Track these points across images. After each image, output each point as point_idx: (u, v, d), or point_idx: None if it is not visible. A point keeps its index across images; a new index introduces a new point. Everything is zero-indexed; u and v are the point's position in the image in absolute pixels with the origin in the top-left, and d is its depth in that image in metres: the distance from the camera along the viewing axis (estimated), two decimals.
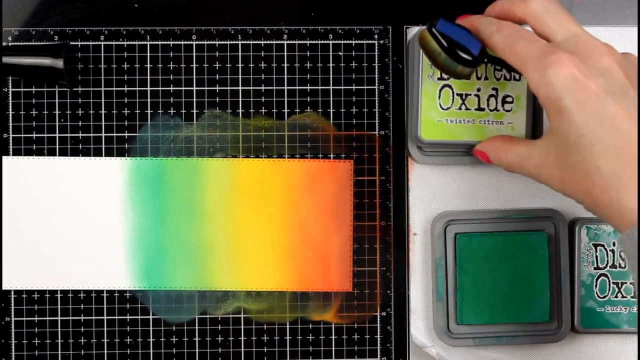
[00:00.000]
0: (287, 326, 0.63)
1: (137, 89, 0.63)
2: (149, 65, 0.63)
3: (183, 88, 0.63)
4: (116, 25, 0.63)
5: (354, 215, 0.64)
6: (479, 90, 0.59)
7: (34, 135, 0.63)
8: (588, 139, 0.47)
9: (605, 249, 0.62)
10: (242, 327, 0.63)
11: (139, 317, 0.63)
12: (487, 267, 0.61)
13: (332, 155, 0.64)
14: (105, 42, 0.63)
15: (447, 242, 0.62)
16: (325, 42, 0.64)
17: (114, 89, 0.63)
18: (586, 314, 0.62)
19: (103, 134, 0.63)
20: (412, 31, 0.64)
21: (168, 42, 0.63)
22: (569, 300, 0.62)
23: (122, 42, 0.63)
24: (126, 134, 0.63)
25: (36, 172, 0.62)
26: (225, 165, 0.63)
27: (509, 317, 0.62)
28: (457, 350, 0.63)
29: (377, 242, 0.64)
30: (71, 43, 0.63)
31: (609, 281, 0.62)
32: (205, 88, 0.63)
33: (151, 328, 0.63)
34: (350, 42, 0.64)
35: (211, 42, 0.63)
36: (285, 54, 0.64)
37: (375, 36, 0.64)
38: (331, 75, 0.64)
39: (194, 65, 0.63)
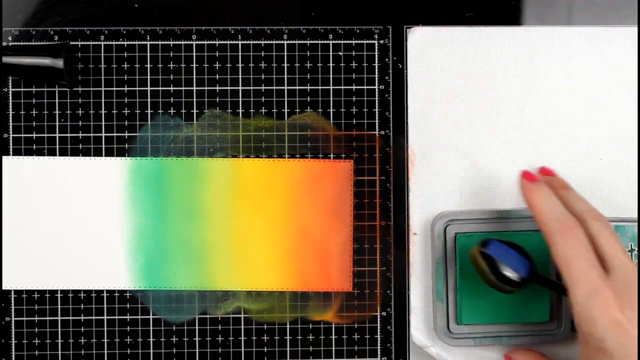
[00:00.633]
0: (287, 326, 0.64)
1: (137, 89, 0.63)
2: (149, 65, 0.63)
3: (183, 88, 0.63)
4: (116, 25, 0.63)
5: (354, 215, 0.64)
6: None
7: (34, 135, 0.63)
8: None
9: None
10: (242, 327, 0.63)
11: (139, 317, 0.63)
12: None
13: (332, 155, 0.64)
14: (105, 42, 0.63)
15: (447, 242, 0.62)
16: (325, 42, 0.64)
17: (114, 89, 0.63)
18: None
19: (103, 134, 0.63)
20: (413, 31, 0.64)
21: (168, 42, 0.63)
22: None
23: (122, 42, 0.63)
24: (126, 134, 0.63)
25: (36, 172, 0.62)
26: (225, 165, 0.63)
27: (509, 317, 0.62)
28: (457, 350, 0.63)
29: (377, 242, 0.64)
30: (71, 43, 0.63)
31: None
32: (205, 88, 0.63)
33: (151, 328, 0.63)
34: (350, 42, 0.64)
35: (211, 42, 0.63)
36: (285, 54, 0.64)
37: (375, 36, 0.64)
38: (331, 75, 0.64)
39: (194, 65, 0.63)
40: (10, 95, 0.63)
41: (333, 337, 0.64)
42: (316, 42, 0.64)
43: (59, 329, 0.63)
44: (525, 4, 0.64)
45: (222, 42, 0.64)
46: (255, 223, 0.63)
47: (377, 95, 0.64)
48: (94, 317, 0.63)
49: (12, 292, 0.63)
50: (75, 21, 0.63)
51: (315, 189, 0.63)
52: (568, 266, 0.52)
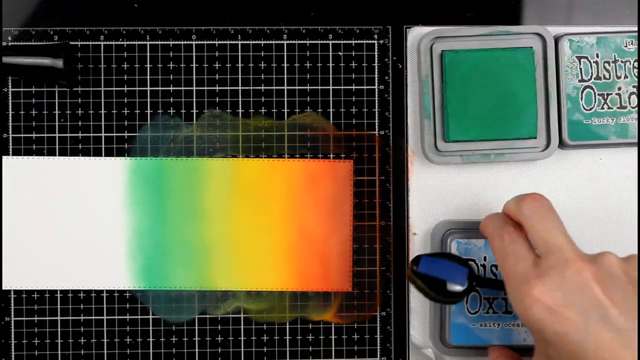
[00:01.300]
0: (287, 326, 0.64)
1: (137, 89, 0.63)
2: (149, 65, 0.63)
3: (183, 88, 0.63)
4: (116, 25, 0.63)
5: (354, 215, 0.64)
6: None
7: (34, 135, 0.63)
8: None
9: (589, 61, 0.62)
10: (242, 327, 0.63)
11: (139, 317, 0.63)
12: (473, 84, 0.61)
13: (332, 155, 0.64)
14: (105, 42, 0.63)
15: (433, 59, 0.62)
16: (325, 42, 0.64)
17: (114, 89, 0.63)
18: (573, 127, 0.62)
19: (103, 134, 0.63)
20: (413, 31, 0.64)
21: (168, 42, 0.63)
22: (556, 114, 0.62)
23: (122, 42, 0.63)
24: (126, 134, 0.63)
25: (36, 172, 0.62)
26: (225, 165, 0.63)
27: (497, 133, 0.61)
28: (456, 349, 0.63)
29: (377, 242, 0.64)
30: (71, 43, 0.63)
31: (594, 93, 0.62)
32: (205, 88, 0.63)
33: (151, 328, 0.63)
34: (350, 42, 0.64)
35: (211, 42, 0.63)
36: (285, 54, 0.64)
37: (375, 36, 0.64)
38: (331, 75, 0.64)
39: (194, 65, 0.63)
40: (10, 95, 0.63)
41: (333, 337, 0.64)
42: (316, 42, 0.64)
43: (59, 329, 0.63)
44: (525, 4, 0.64)
45: (222, 42, 0.64)
46: (255, 223, 0.63)
47: (377, 95, 0.64)
48: (93, 317, 0.63)
49: (12, 292, 0.63)
50: (75, 21, 0.63)
51: (315, 189, 0.63)
52: (501, 264, 0.52)
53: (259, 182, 0.63)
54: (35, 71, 0.61)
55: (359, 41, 0.64)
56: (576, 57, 0.62)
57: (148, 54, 0.63)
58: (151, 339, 0.63)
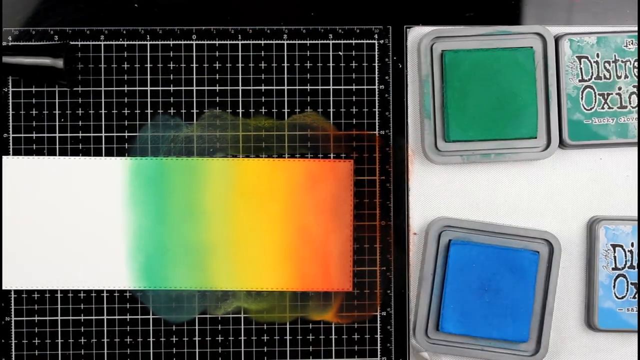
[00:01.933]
0: (287, 326, 0.63)
1: (137, 89, 0.63)
2: (149, 65, 0.63)
3: (183, 88, 0.63)
4: (116, 25, 0.63)
5: (354, 215, 0.64)
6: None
7: (34, 135, 0.63)
8: None
9: (589, 61, 0.62)
10: (242, 327, 0.63)
11: (139, 317, 0.63)
12: (473, 84, 0.61)
13: (332, 155, 0.64)
14: (105, 42, 0.63)
15: (433, 59, 0.62)
16: (325, 42, 0.64)
17: (114, 89, 0.63)
18: (574, 127, 0.62)
19: (103, 134, 0.63)
20: (413, 31, 0.64)
21: (168, 42, 0.63)
22: (556, 114, 0.62)
23: (122, 42, 0.63)
24: (126, 134, 0.63)
25: (36, 172, 0.62)
26: (225, 165, 0.63)
27: (497, 133, 0.61)
28: (456, 349, 0.63)
29: (377, 242, 0.64)
30: (71, 43, 0.63)
31: (595, 93, 0.62)
32: (205, 88, 0.63)
33: (151, 328, 0.63)
34: (350, 42, 0.64)
35: (211, 42, 0.63)
36: (285, 54, 0.64)
37: (375, 36, 0.64)
38: (331, 75, 0.64)
39: (194, 65, 0.63)
40: (10, 95, 0.63)
41: (333, 337, 0.64)
42: (316, 42, 0.64)
43: (59, 329, 0.63)
44: (525, 4, 0.64)
45: (222, 42, 0.64)
46: (255, 223, 0.63)
47: (377, 95, 0.64)
48: (94, 317, 0.63)
49: (12, 292, 0.63)
50: (75, 21, 0.63)
51: (315, 189, 0.63)
52: None
53: (259, 182, 0.63)
54: (35, 71, 0.61)
55: (359, 41, 0.64)
56: (576, 57, 0.62)
57: (148, 54, 0.63)
58: (151, 339, 0.63)
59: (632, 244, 0.62)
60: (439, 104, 0.62)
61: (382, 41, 0.64)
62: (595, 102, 0.62)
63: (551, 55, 0.62)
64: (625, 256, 0.62)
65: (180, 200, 0.63)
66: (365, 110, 0.64)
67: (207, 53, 0.63)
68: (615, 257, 0.62)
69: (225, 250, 0.63)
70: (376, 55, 0.64)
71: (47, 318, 0.63)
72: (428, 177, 0.64)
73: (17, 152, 0.63)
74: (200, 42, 0.63)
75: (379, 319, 0.64)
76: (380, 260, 0.64)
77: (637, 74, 0.62)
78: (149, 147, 0.63)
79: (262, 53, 0.64)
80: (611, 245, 0.62)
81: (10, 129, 0.63)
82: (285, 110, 0.64)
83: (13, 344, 0.63)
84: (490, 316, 0.61)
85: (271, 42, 0.64)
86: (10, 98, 0.63)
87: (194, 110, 0.63)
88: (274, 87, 0.64)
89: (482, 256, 0.61)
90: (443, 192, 0.64)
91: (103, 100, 0.63)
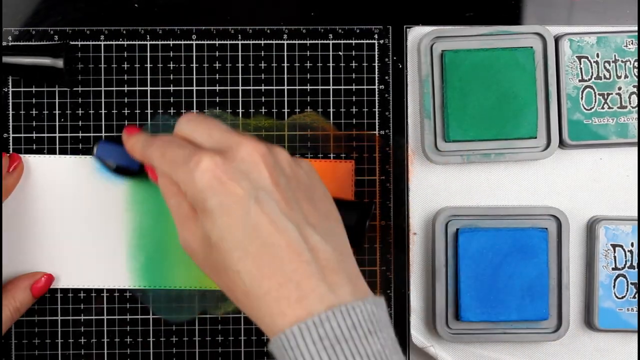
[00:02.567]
0: None
1: (137, 89, 0.63)
2: (149, 65, 0.63)
3: (183, 88, 0.63)
4: (116, 25, 0.63)
5: None
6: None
7: (34, 135, 0.63)
8: (228, 242, 0.47)
9: (589, 61, 0.62)
10: (242, 327, 0.63)
11: (139, 316, 0.63)
12: (473, 84, 0.61)
13: (332, 155, 0.64)
14: (105, 42, 0.63)
15: (433, 59, 0.62)
16: (325, 42, 0.64)
17: (114, 89, 0.63)
18: (574, 127, 0.62)
19: (103, 134, 0.63)
20: (413, 31, 0.64)
21: (168, 42, 0.63)
22: (556, 114, 0.62)
23: (122, 42, 0.63)
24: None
25: (36, 172, 0.62)
26: None
27: (497, 133, 0.62)
28: (455, 349, 0.63)
29: (377, 242, 0.64)
30: (71, 43, 0.63)
31: (595, 93, 0.62)
32: (205, 88, 0.63)
33: (151, 328, 0.63)
34: (350, 42, 0.64)
35: (211, 42, 0.63)
36: (285, 54, 0.64)
37: (375, 36, 0.64)
38: (331, 75, 0.64)
39: (194, 65, 0.63)
40: (10, 95, 0.63)
41: None
42: (316, 42, 0.64)
43: (59, 329, 0.63)
44: (525, 4, 0.64)
45: (222, 42, 0.64)
46: None
47: (377, 95, 0.64)
48: (94, 317, 0.63)
49: None
50: (75, 21, 0.63)
51: None
52: (164, 157, 0.51)
53: None
54: (35, 71, 0.61)
55: (359, 41, 0.64)
56: (576, 56, 0.62)
57: (148, 54, 0.63)
58: (151, 339, 0.63)
59: (632, 244, 0.62)
60: (439, 103, 0.62)
61: (382, 41, 0.64)
62: (595, 102, 0.62)
63: (551, 55, 0.62)
64: (625, 256, 0.62)
65: None
66: (365, 110, 0.64)
67: (207, 53, 0.63)
68: (615, 257, 0.62)
69: None
70: (376, 55, 0.64)
71: (47, 318, 0.63)
72: (428, 177, 0.64)
73: (17, 152, 0.63)
74: (200, 42, 0.63)
75: None
76: (380, 260, 0.64)
77: (637, 74, 0.62)
78: None
79: (262, 53, 0.64)
80: (611, 245, 0.62)
81: (10, 129, 0.63)
82: (285, 110, 0.64)
83: (13, 344, 0.63)
84: (508, 299, 0.61)
85: (271, 42, 0.64)
86: (10, 98, 0.63)
87: (194, 110, 0.63)
88: (274, 87, 0.64)
89: (491, 241, 0.61)
90: (443, 192, 0.64)
91: (103, 100, 0.63)
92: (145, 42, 0.63)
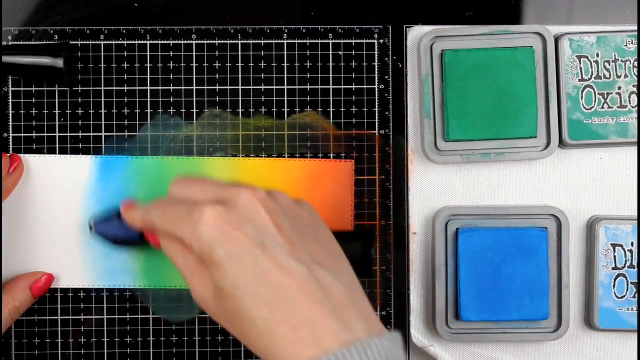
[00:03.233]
0: None
1: (137, 88, 0.63)
2: (149, 65, 0.63)
3: (183, 88, 0.63)
4: (116, 25, 0.63)
5: (354, 215, 0.63)
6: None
7: (34, 134, 0.63)
8: (240, 290, 0.47)
9: (589, 60, 0.62)
10: None
11: (139, 316, 0.63)
12: (473, 83, 0.61)
13: (332, 155, 0.64)
14: (105, 42, 0.63)
15: (433, 59, 0.62)
16: (325, 41, 0.64)
17: (114, 88, 0.63)
18: (574, 127, 0.62)
19: (103, 134, 0.63)
20: (413, 31, 0.64)
21: (168, 42, 0.63)
22: (556, 114, 0.62)
23: (122, 42, 0.63)
24: (126, 134, 0.63)
25: (36, 172, 0.62)
26: (225, 165, 0.63)
27: (497, 132, 0.62)
28: (456, 348, 0.63)
29: (377, 242, 0.64)
30: (71, 43, 0.63)
31: (595, 92, 0.62)
32: (205, 88, 0.63)
33: (151, 328, 0.63)
34: (350, 41, 0.64)
35: (211, 42, 0.63)
36: (285, 53, 0.64)
37: (375, 36, 0.64)
38: (331, 75, 0.64)
39: (194, 65, 0.63)
40: (10, 94, 0.63)
41: None
42: (316, 41, 0.64)
43: (59, 329, 0.63)
44: (525, 4, 0.64)
45: (222, 42, 0.64)
46: None
47: (377, 95, 0.64)
48: (94, 317, 0.63)
49: None
50: (75, 21, 0.63)
51: (315, 188, 0.63)
52: (165, 217, 0.51)
53: (259, 182, 0.63)
54: (35, 71, 0.61)
55: (359, 41, 0.64)
56: (576, 56, 0.62)
57: (148, 54, 0.63)
58: (151, 339, 0.63)
59: (632, 244, 0.62)
60: (439, 103, 0.62)
61: (382, 41, 0.64)
62: (595, 101, 0.62)
63: (551, 54, 0.62)
64: (625, 256, 0.62)
65: None
66: (365, 110, 0.64)
67: (207, 53, 0.63)
68: (615, 256, 0.62)
69: None
70: (376, 55, 0.64)
71: (47, 318, 0.63)
72: (428, 176, 0.64)
73: (17, 152, 0.63)
74: (200, 42, 0.63)
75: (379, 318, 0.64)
76: (380, 260, 0.64)
77: (637, 74, 0.62)
78: (149, 147, 0.63)
79: (262, 53, 0.64)
80: (611, 245, 0.62)
81: (10, 129, 0.63)
82: (285, 110, 0.64)
83: (13, 344, 0.63)
84: (508, 298, 0.61)
85: (271, 42, 0.64)
86: (10, 98, 0.63)
87: (194, 110, 0.63)
88: (274, 87, 0.64)
89: (491, 240, 0.61)
90: (443, 191, 0.64)
91: (103, 100, 0.63)
92: (145, 42, 0.63)
